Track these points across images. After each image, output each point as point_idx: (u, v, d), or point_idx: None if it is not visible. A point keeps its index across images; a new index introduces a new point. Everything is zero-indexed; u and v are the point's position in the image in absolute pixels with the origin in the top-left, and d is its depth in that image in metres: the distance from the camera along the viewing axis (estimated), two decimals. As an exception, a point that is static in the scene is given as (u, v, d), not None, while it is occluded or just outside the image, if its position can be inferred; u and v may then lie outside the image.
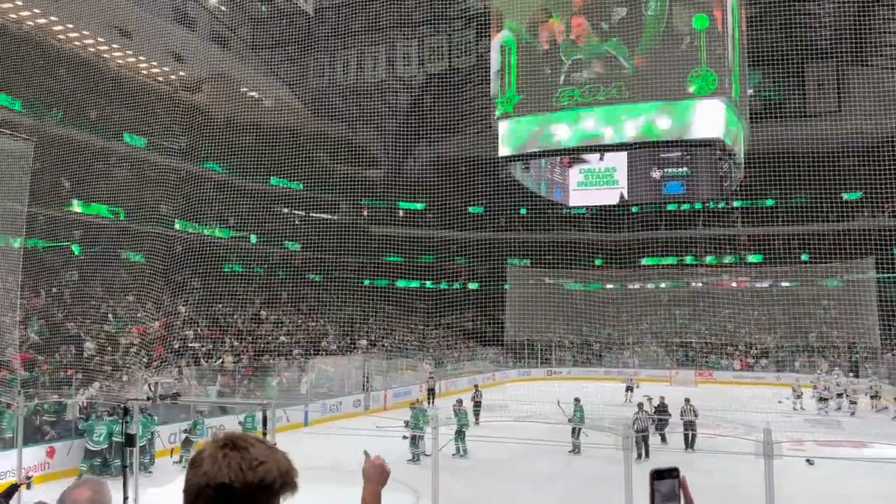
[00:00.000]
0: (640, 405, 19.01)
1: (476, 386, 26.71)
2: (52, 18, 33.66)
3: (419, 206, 46.70)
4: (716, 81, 20.51)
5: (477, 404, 24.71)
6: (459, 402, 20.24)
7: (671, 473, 1.61)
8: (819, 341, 39.46)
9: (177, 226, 33.02)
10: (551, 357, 42.88)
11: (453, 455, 17.97)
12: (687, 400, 19.97)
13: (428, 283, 44.04)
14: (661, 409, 20.11)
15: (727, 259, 45.16)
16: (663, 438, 19.56)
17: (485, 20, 29.15)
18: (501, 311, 43.08)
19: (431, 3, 35.99)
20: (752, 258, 44.29)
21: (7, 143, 17.94)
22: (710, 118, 20.33)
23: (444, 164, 41.76)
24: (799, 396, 28.49)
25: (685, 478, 1.62)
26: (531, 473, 16.45)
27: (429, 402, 28.43)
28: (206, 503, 1.42)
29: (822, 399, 27.98)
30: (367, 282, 41.11)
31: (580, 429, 18.59)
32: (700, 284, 44.61)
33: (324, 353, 32.72)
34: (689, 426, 18.82)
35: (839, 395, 28.29)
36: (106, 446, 15.74)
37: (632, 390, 30.16)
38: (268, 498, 1.43)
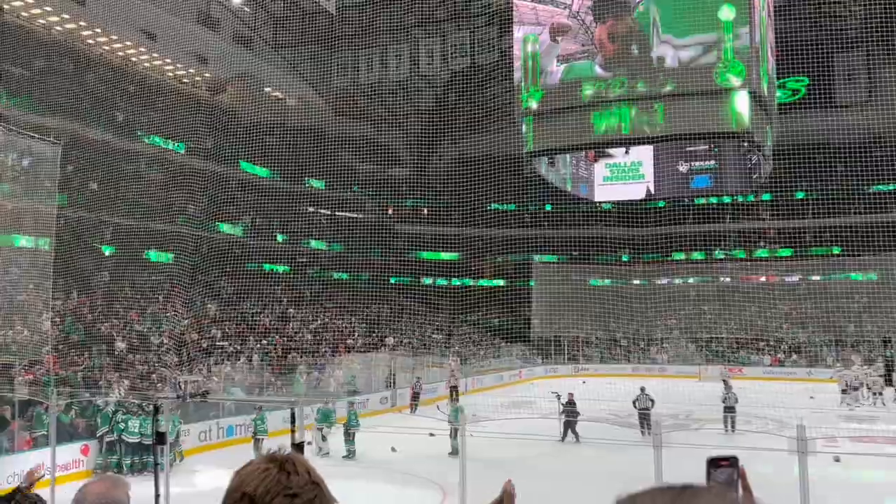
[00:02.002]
0: (643, 388, 21.15)
1: (418, 378, 28.50)
2: (81, 24, 34.17)
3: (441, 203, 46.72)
4: (743, 73, 20.22)
5: (415, 396, 26.93)
6: (351, 403, 20.24)
7: (729, 461, 1.52)
8: (852, 336, 38.76)
9: (203, 225, 33.36)
10: (578, 354, 42.64)
11: (343, 457, 18.03)
12: (728, 387, 22.50)
13: (454, 280, 44.04)
14: (570, 405, 20.22)
15: (756, 253, 44.50)
16: (574, 434, 19.63)
17: (507, 15, 29.02)
18: (528, 307, 42.92)
19: (454, 1, 35.93)
20: (781, 252, 43.59)
21: (37, 146, 18.27)
22: (737, 110, 20.07)
23: (469, 161, 41.68)
24: (845, 391, 28.60)
25: (744, 467, 1.52)
26: (556, 471, 16.38)
27: (451, 400, 28.20)
28: None
29: (843, 391, 28.34)
30: (393, 279, 41.21)
31: (457, 429, 18.70)
32: (729, 279, 44.02)
33: (351, 350, 32.86)
34: (730, 411, 21.12)
35: (867, 388, 28.25)
36: (137, 440, 16.02)
37: (727, 383, 30.57)
38: None
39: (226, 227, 35.40)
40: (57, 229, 18.21)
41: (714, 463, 1.53)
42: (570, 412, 19.97)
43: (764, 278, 43.38)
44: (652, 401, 20.57)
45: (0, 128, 17.59)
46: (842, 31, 33.45)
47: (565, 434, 19.73)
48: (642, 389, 21.11)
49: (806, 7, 30.63)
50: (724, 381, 26.96)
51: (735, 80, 19.84)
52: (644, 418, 19.85)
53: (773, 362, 39.77)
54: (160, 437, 9.70)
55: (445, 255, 44.52)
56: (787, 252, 43.09)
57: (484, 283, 45.66)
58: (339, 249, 40.83)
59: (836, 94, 36.41)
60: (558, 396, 20.80)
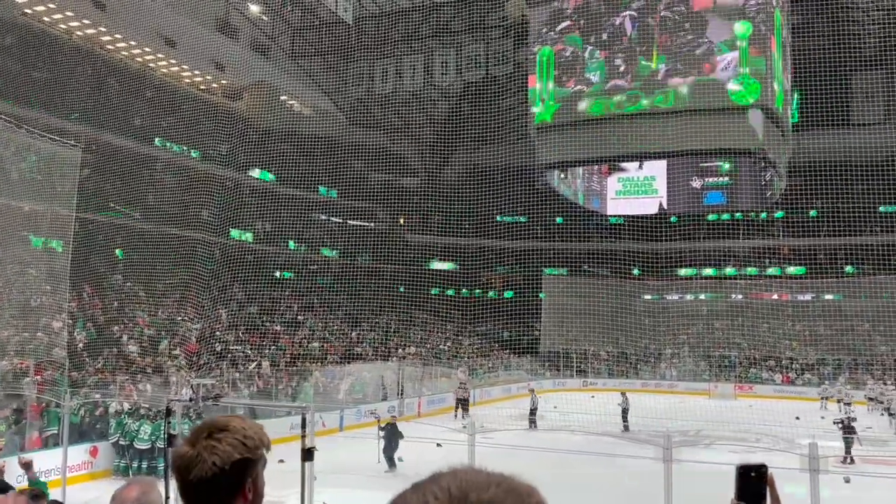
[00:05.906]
0: (532, 390, 26.96)
1: (462, 383, 29.19)
2: (101, 29, 34.56)
3: (455, 212, 46.76)
4: (758, 90, 20.23)
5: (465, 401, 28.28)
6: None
7: (759, 470, 1.52)
8: (866, 356, 38.40)
9: (217, 232, 33.54)
10: (587, 368, 42.43)
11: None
12: (622, 393, 25.51)
13: (463, 292, 43.98)
14: (391, 429, 18.48)
15: (768, 271, 44.27)
16: (391, 462, 17.93)
17: (523, 29, 29.18)
18: (537, 320, 42.81)
19: (470, 13, 36.13)
20: (794, 270, 43.36)
21: (55, 149, 18.47)
22: (751, 127, 20.09)
23: (481, 172, 41.76)
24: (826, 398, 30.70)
25: (773, 475, 1.52)
26: (564, 484, 16.30)
27: (461, 414, 27.15)
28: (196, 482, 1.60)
29: (824, 398, 30.72)
30: (402, 289, 41.24)
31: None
32: (740, 296, 43.76)
33: (360, 359, 32.85)
34: (625, 413, 24.19)
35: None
36: (148, 447, 16.03)
37: (827, 399, 31.92)
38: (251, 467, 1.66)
39: (237, 234, 35.60)
40: (74, 232, 18.37)
41: (744, 470, 1.53)
42: (389, 437, 18.04)
43: (776, 296, 43.11)
44: (536, 401, 25.39)
45: (21, 130, 17.81)
46: (860, 51, 33.35)
47: (389, 462, 17.91)
48: (532, 391, 26.84)
49: (823, 26, 30.58)
50: (621, 392, 27.20)
51: (749, 98, 19.86)
52: (533, 416, 24.73)
53: (784, 381, 39.45)
54: (171, 440, 9.75)
55: (454, 266, 44.55)
56: (800, 270, 42.85)
57: (493, 294, 45.63)
58: (349, 258, 40.93)
59: (853, 112, 36.30)
60: (377, 418, 19.07)
